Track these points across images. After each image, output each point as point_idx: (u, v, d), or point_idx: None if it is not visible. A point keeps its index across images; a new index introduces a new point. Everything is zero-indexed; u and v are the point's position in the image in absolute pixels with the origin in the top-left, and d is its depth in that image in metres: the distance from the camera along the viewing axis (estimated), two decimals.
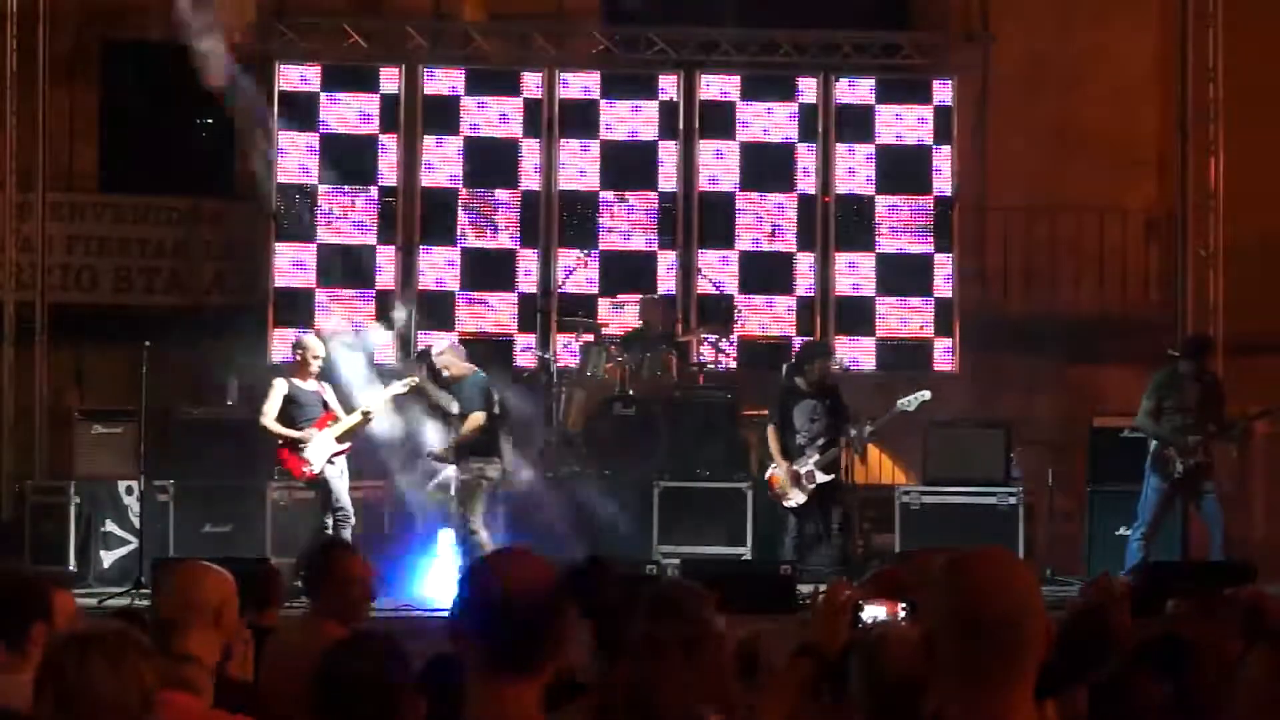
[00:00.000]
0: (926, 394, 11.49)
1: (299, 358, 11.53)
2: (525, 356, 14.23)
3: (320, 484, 11.24)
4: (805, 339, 14.03)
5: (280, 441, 11.30)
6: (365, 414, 11.35)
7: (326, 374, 11.58)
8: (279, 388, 11.36)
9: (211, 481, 12.42)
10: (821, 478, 11.31)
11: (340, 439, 11.30)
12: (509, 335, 14.45)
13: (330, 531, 11.04)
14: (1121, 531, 11.59)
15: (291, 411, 11.29)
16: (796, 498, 11.40)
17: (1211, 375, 11.63)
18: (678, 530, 12.08)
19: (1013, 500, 12.21)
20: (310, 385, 11.41)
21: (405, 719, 3.61)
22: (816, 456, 11.23)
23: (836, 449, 11.33)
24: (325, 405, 11.36)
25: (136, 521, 11.96)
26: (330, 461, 11.23)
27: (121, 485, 12.25)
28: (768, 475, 11.63)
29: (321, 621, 5.24)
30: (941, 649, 2.67)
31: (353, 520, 11.19)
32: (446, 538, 11.26)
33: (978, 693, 2.64)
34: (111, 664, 3.22)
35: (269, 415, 11.27)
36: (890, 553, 11.81)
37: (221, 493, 12.39)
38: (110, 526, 12.23)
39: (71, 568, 11.94)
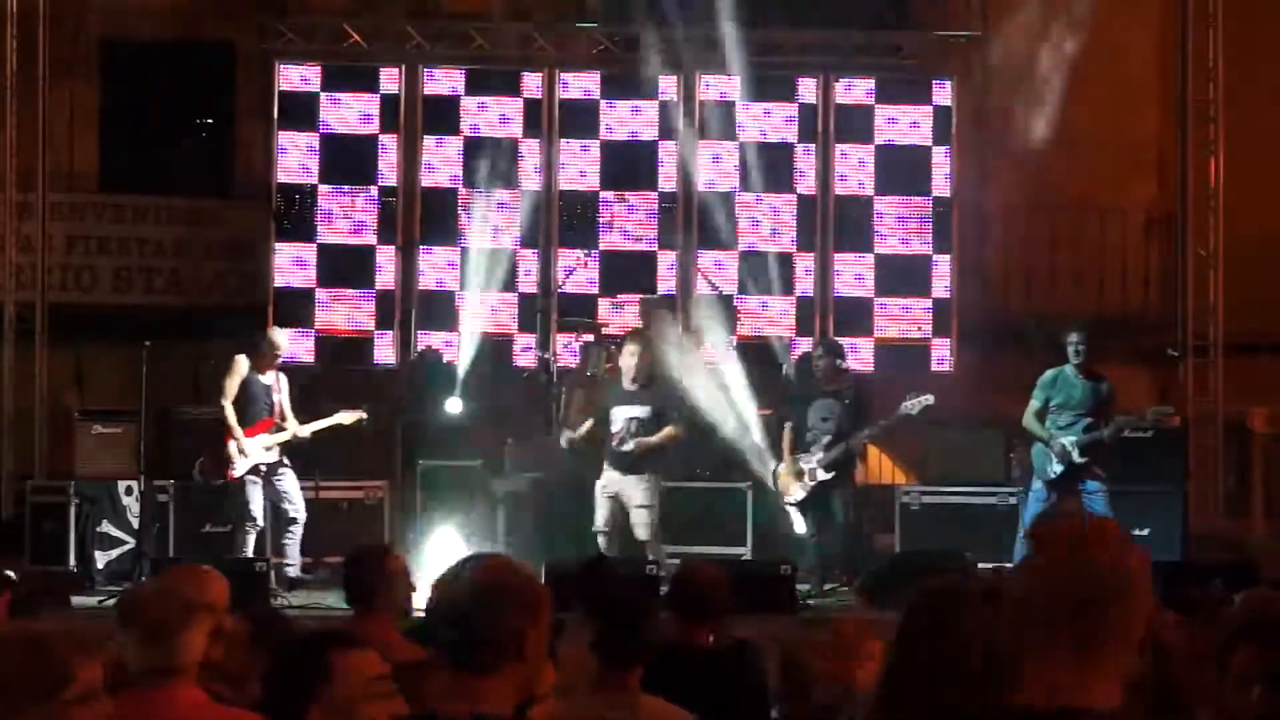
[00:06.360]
0: (929, 398, 11.43)
1: (265, 352, 11.32)
2: (525, 356, 14.23)
3: (237, 488, 11.15)
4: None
5: (226, 433, 11.11)
6: (296, 436, 11.23)
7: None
8: (240, 367, 11.20)
9: (211, 482, 12.39)
10: (822, 475, 11.27)
11: (268, 448, 11.18)
12: (509, 335, 14.46)
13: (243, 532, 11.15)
14: None
15: (239, 402, 11.17)
16: (796, 494, 11.38)
17: (1097, 371, 11.47)
18: (678, 530, 12.04)
19: (1013, 500, 12.18)
20: (266, 379, 11.26)
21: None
22: (820, 454, 11.20)
23: (841, 448, 11.29)
24: (270, 409, 11.22)
25: (135, 522, 11.94)
26: (254, 469, 11.12)
27: (121, 485, 12.23)
28: (773, 470, 11.61)
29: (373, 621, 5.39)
30: (1042, 626, 2.53)
31: (303, 517, 11.14)
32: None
33: (1076, 674, 2.50)
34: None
35: (228, 395, 11.12)
36: (891, 553, 11.79)
37: (221, 493, 12.36)
38: (106, 527, 12.20)
39: (72, 567, 11.91)
